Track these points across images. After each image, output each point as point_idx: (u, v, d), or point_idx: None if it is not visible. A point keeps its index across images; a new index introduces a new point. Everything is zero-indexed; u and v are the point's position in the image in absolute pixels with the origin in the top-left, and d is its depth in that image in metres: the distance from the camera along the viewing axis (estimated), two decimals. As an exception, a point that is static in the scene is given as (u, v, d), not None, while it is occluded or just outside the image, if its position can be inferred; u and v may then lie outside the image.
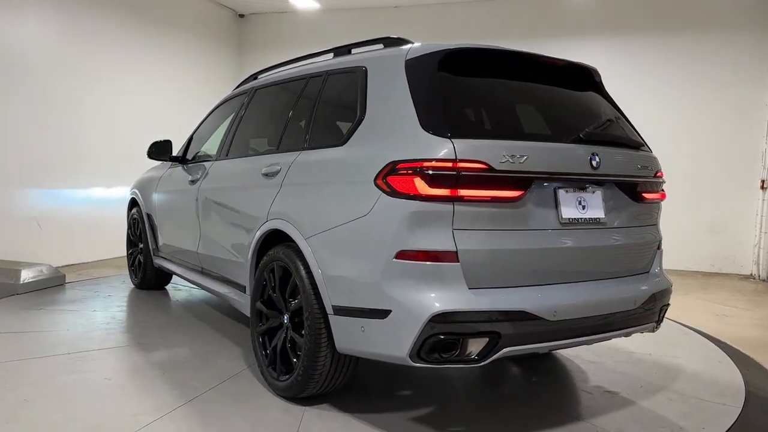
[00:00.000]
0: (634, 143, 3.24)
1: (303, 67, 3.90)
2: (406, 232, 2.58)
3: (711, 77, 8.50)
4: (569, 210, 2.87)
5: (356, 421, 3.02)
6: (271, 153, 3.75)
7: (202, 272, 4.55)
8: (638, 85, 8.62)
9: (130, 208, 6.24)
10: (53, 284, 5.97)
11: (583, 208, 2.93)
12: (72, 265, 7.32)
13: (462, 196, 2.56)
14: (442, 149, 2.57)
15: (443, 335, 2.52)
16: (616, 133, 3.24)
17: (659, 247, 3.39)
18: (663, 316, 3.31)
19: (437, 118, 2.68)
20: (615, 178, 3.04)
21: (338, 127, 3.30)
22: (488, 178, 2.61)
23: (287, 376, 3.16)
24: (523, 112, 3.12)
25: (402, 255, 2.58)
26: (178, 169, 5.10)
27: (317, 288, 2.96)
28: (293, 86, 3.85)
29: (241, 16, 10.74)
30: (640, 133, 3.43)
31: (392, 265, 2.61)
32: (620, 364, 4.12)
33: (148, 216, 5.70)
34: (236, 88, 4.91)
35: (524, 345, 2.69)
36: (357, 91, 3.12)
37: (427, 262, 2.56)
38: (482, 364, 2.62)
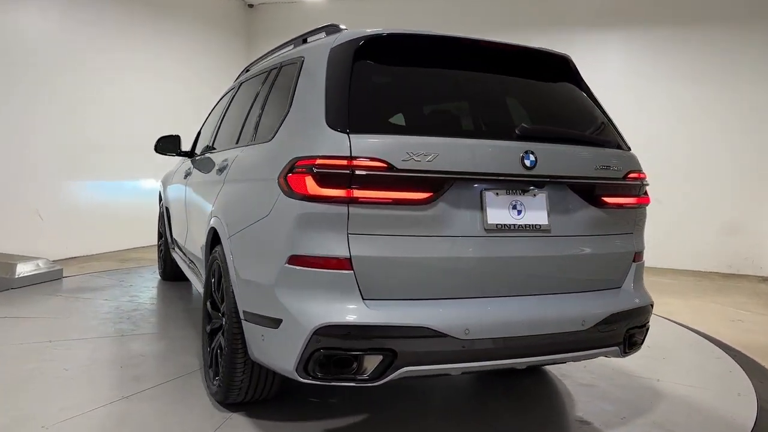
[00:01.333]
0: (595, 140, 2.82)
1: (271, 60, 3.77)
2: (297, 235, 2.37)
3: (728, 72, 8.21)
4: (498, 215, 2.52)
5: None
6: (231, 148, 3.65)
7: (189, 267, 4.56)
8: (651, 81, 8.48)
9: (159, 201, 6.43)
10: (50, 278, 5.86)
11: (519, 213, 2.57)
12: (74, 257, 7.34)
13: (357, 198, 2.31)
14: (336, 146, 2.33)
15: (329, 350, 2.29)
16: (569, 129, 2.82)
17: (637, 259, 2.94)
18: (637, 341, 2.86)
19: (342, 111, 2.43)
20: (563, 179, 2.64)
21: (276, 122, 3.13)
22: (388, 178, 2.33)
23: (217, 380, 3.05)
24: (454, 105, 2.79)
25: (293, 260, 2.38)
26: (186, 163, 5.16)
27: (234, 291, 2.82)
28: (259, 79, 3.73)
29: (251, 6, 10.70)
30: (617, 129, 2.99)
31: (284, 271, 2.41)
32: (615, 388, 3.64)
33: (166, 209, 5.83)
34: (235, 80, 4.88)
35: (428, 366, 2.39)
36: (291, 83, 2.94)
37: (318, 269, 2.34)
38: (377, 384, 2.35)
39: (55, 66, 7.07)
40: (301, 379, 2.36)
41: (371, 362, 2.32)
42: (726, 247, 8.30)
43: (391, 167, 2.32)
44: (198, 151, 5.02)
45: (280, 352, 2.43)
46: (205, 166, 4.12)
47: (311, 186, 2.32)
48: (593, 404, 3.39)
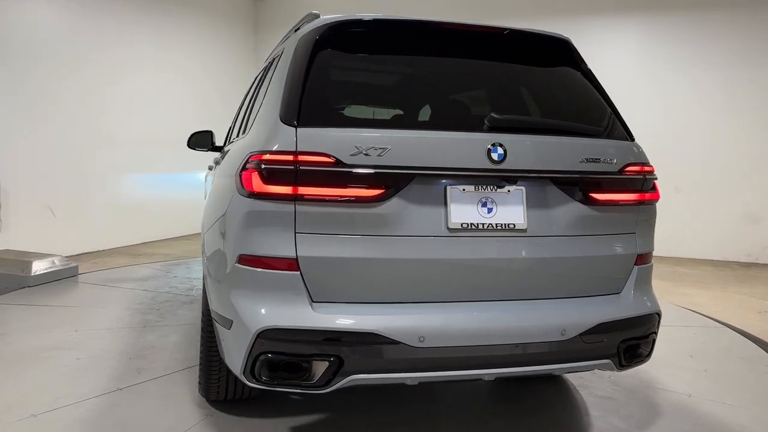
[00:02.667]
0: (580, 130, 2.53)
1: (272, 52, 3.71)
2: (246, 234, 2.28)
3: (751, 58, 7.99)
4: (464, 213, 2.32)
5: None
6: (232, 142, 3.63)
7: None
8: (671, 67, 8.34)
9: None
10: (66, 276, 5.81)
11: (489, 211, 2.35)
12: (86, 253, 7.35)
13: (303, 195, 2.19)
14: (282, 140, 2.22)
15: (274, 354, 2.20)
16: (553, 118, 2.55)
17: (640, 262, 2.62)
18: (639, 353, 2.57)
19: (294, 104, 2.31)
20: (542, 174, 2.39)
21: (253, 116, 3.06)
22: (335, 174, 2.19)
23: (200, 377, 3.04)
24: (420, 96, 2.58)
25: (242, 260, 2.29)
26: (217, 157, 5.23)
27: (206, 289, 2.79)
28: (260, 72, 3.68)
29: None
30: (619, 117, 2.67)
31: (234, 271, 2.33)
32: (635, 404, 3.30)
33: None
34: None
35: (380, 374, 2.24)
36: (270, 75, 2.86)
37: (265, 270, 2.24)
38: (326, 391, 2.23)
39: (65, 61, 7.04)
40: (248, 383, 2.28)
41: (318, 368, 2.20)
42: (745, 235, 8.18)
43: (338, 162, 2.18)
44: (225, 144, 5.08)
45: (232, 355, 2.36)
46: (218, 160, 4.14)
47: (257, 183, 2.22)
48: (604, 420, 3.09)
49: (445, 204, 2.30)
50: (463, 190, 2.33)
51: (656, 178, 2.65)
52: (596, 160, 2.44)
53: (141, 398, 3.14)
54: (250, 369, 2.23)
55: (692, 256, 8.39)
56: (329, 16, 2.59)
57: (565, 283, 2.47)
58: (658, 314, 2.62)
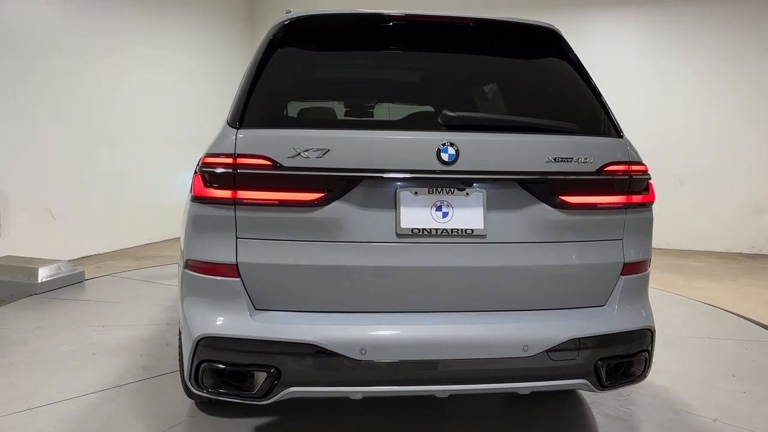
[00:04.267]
0: (548, 127, 2.29)
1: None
2: (192, 238, 2.25)
3: (756, 50, 7.96)
4: (415, 218, 2.17)
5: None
6: None
7: None
8: (675, 59, 8.28)
9: None
10: (72, 282, 5.58)
11: (445, 215, 2.18)
12: (89, 256, 7.10)
13: (242, 199, 2.13)
14: (223, 143, 2.17)
15: (213, 363, 2.15)
16: (523, 115, 2.32)
17: (628, 272, 2.36)
18: (625, 374, 2.31)
19: (241, 105, 2.25)
20: (502, 176, 2.19)
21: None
22: (274, 177, 2.11)
23: None
24: (371, 94, 2.43)
25: (189, 265, 2.26)
26: None
27: None
28: None
29: None
30: (607, 111, 2.41)
31: (184, 276, 2.30)
32: (650, 427, 3.00)
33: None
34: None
35: (319, 387, 2.14)
36: None
37: (208, 276, 2.20)
38: (266, 402, 2.16)
39: (64, 61, 6.80)
40: (195, 392, 2.25)
41: (258, 379, 2.13)
42: (749, 227, 8.20)
43: (276, 165, 2.10)
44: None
45: (184, 361, 2.34)
46: None
47: (199, 186, 2.19)
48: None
49: (396, 208, 2.16)
50: (416, 193, 2.18)
51: (649, 178, 2.37)
52: (566, 160, 2.21)
53: (135, 397, 3.21)
54: (194, 377, 2.19)
55: (697, 248, 8.40)
56: (290, 14, 2.51)
57: (532, 295, 2.26)
58: (650, 330, 2.35)
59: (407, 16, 2.38)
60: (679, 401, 3.28)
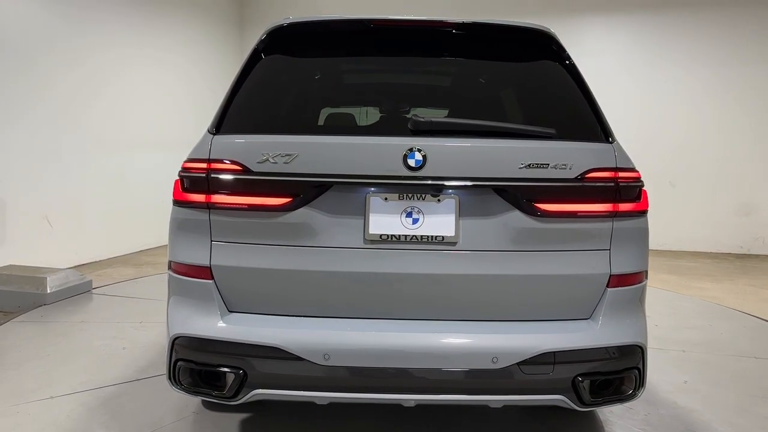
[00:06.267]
0: (522, 132, 2.20)
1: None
2: (172, 240, 2.34)
3: (745, 53, 8.24)
4: (384, 224, 2.15)
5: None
6: None
7: None
8: (667, 62, 8.48)
9: None
10: (81, 291, 5.46)
11: (415, 221, 2.15)
12: (86, 264, 6.89)
13: (216, 203, 2.19)
14: (200, 148, 2.24)
15: (186, 362, 2.22)
16: (500, 120, 2.24)
17: (615, 284, 2.23)
18: (611, 392, 2.19)
19: (221, 111, 2.33)
20: (473, 182, 2.13)
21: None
22: (244, 181, 2.15)
23: None
24: (345, 99, 2.42)
25: (171, 266, 2.35)
26: None
27: None
28: None
29: None
30: (597, 115, 2.29)
31: (168, 278, 2.39)
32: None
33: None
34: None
35: (285, 390, 2.15)
36: None
37: (185, 277, 2.28)
38: (236, 403, 2.20)
39: (56, 64, 6.63)
40: (174, 389, 2.32)
41: (228, 379, 2.18)
42: (738, 228, 8.46)
43: (246, 170, 2.15)
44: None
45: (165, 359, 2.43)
46: None
47: (177, 191, 2.26)
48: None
49: (365, 214, 2.15)
50: (386, 199, 2.16)
51: (641, 185, 2.24)
52: (542, 166, 2.12)
53: (150, 390, 3.35)
54: (172, 374, 2.27)
55: (687, 248, 8.64)
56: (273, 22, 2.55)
57: (506, 305, 2.18)
58: (640, 347, 2.21)
59: (389, 21, 2.37)
60: (705, 425, 3.05)
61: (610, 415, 3.14)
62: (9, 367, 3.70)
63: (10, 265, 5.59)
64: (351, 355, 2.08)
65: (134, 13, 7.82)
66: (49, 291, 5.12)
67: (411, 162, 2.09)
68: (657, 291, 6.08)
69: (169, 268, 2.35)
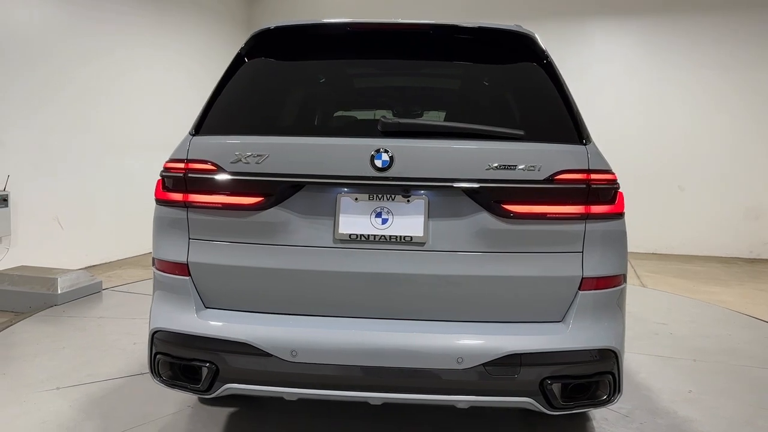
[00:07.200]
0: (491, 133, 2.19)
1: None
2: (155, 238, 2.42)
3: (753, 58, 8.22)
4: (354, 224, 2.18)
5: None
6: None
7: None
8: (674, 67, 8.47)
9: None
10: (91, 292, 5.50)
11: (384, 222, 2.18)
12: (96, 266, 6.94)
13: (192, 202, 2.26)
14: (180, 149, 2.32)
15: (164, 355, 2.29)
16: (470, 121, 2.24)
17: (588, 287, 2.20)
18: (585, 397, 2.17)
19: (202, 113, 2.41)
20: (440, 183, 2.14)
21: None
22: (218, 181, 2.22)
23: None
24: (332, 102, 2.45)
25: (154, 262, 2.44)
26: None
27: None
28: None
29: None
30: (573, 115, 2.27)
31: (154, 273, 2.48)
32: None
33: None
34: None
35: (254, 385, 2.20)
36: None
37: (166, 273, 2.36)
38: (210, 396, 2.27)
39: (67, 65, 6.66)
40: (155, 382, 2.40)
41: (202, 373, 2.24)
42: (747, 232, 8.40)
43: (220, 169, 2.21)
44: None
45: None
46: None
47: (159, 190, 2.35)
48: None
49: (335, 214, 2.19)
50: (356, 199, 2.19)
51: (616, 188, 2.21)
52: (509, 167, 2.11)
53: (153, 384, 3.44)
54: (153, 367, 2.35)
55: (696, 252, 8.53)
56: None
57: (473, 306, 2.18)
58: (613, 351, 2.18)
59: (365, 24, 2.40)
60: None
61: (604, 422, 3.09)
62: (24, 359, 3.87)
63: (22, 266, 5.67)
64: (317, 352, 2.12)
65: (144, 14, 7.85)
66: (59, 292, 5.18)
67: (378, 163, 2.12)
68: (672, 296, 6.01)
69: (153, 264, 2.44)
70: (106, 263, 7.14)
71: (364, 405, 2.99)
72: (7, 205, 5.78)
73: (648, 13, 8.62)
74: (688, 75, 8.47)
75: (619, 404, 3.26)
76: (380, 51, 2.48)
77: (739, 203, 8.42)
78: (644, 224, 8.53)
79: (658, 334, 4.64)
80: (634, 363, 3.93)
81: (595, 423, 3.08)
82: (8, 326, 4.53)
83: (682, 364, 4.00)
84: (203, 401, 3.20)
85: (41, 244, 6.33)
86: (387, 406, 3.01)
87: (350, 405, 3.08)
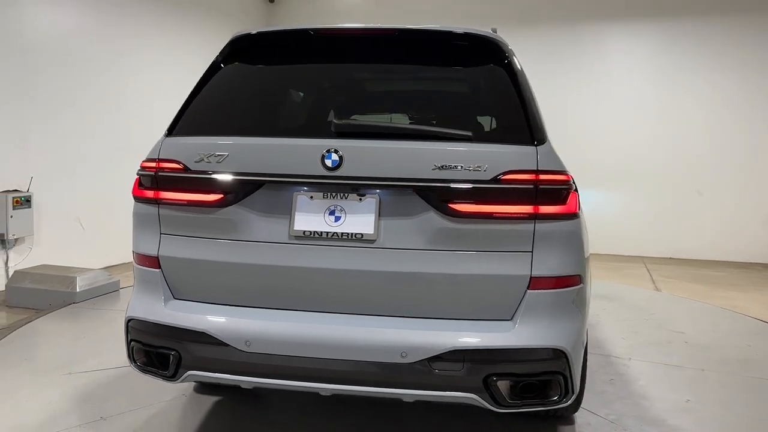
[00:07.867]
0: (441, 134, 2.22)
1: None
2: (133, 232, 2.58)
3: (763, 63, 8.15)
4: (309, 221, 2.27)
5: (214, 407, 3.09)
6: None
7: None
8: (691, 71, 8.43)
9: None
10: (108, 291, 5.64)
11: (337, 219, 2.26)
12: (114, 266, 6.98)
13: (162, 199, 2.41)
14: (155, 149, 2.47)
15: (136, 343, 2.45)
16: (422, 122, 2.28)
17: (537, 287, 2.20)
18: (533, 395, 2.18)
19: (177, 115, 2.55)
20: (388, 182, 2.20)
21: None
22: (183, 179, 2.36)
23: None
24: (293, 103, 2.54)
25: (133, 255, 2.60)
26: None
27: None
28: None
29: (271, 0, 10.05)
30: (529, 116, 2.27)
31: (133, 266, 2.64)
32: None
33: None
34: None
35: (213, 373, 2.32)
36: None
37: (140, 266, 2.52)
38: (176, 382, 2.40)
39: (87, 69, 6.78)
40: (132, 367, 2.55)
41: (168, 360, 2.38)
42: (766, 237, 8.28)
43: (185, 168, 2.35)
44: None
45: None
46: None
47: (135, 187, 2.51)
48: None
49: (291, 211, 2.29)
50: (311, 197, 2.28)
51: (568, 188, 2.21)
52: (454, 167, 2.15)
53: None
54: (128, 353, 2.51)
55: (714, 258, 8.38)
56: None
57: (420, 302, 2.23)
58: (562, 351, 2.17)
59: (329, 30, 2.49)
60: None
61: (587, 427, 3.05)
62: (45, 348, 4.18)
63: (43, 265, 5.82)
64: (269, 343, 2.22)
65: (166, 18, 7.98)
66: (78, 290, 5.33)
67: (328, 162, 2.20)
68: (690, 302, 5.87)
69: (133, 257, 2.60)
70: (125, 263, 7.16)
71: (353, 399, 3.10)
72: (30, 206, 5.98)
73: (664, 18, 8.57)
74: (707, 81, 8.39)
75: (608, 410, 3.23)
76: (345, 55, 2.56)
77: (757, 208, 8.31)
78: (662, 228, 8.48)
79: (671, 342, 4.50)
80: (635, 370, 3.85)
81: (577, 428, 3.05)
82: (29, 321, 4.83)
83: (689, 373, 3.87)
84: (198, 390, 3.36)
85: (63, 244, 6.47)
86: (384, 406, 3.11)
87: (342, 400, 3.17)
